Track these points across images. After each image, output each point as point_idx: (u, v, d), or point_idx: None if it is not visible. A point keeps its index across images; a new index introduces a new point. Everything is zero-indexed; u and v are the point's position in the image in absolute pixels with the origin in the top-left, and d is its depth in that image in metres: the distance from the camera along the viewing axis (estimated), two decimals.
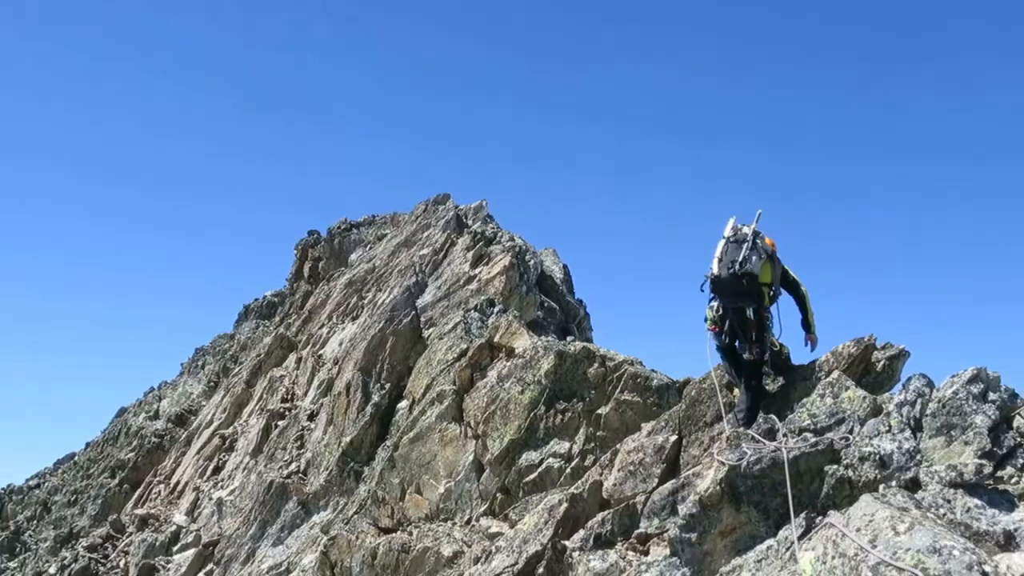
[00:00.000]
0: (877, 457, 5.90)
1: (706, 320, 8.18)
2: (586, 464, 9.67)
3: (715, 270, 7.86)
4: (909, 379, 6.40)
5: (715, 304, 8.07)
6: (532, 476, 10.05)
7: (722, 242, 8.00)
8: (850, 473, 5.99)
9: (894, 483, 5.71)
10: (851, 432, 6.29)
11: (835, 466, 6.09)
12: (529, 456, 10.19)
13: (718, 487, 6.31)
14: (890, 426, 6.03)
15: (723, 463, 6.41)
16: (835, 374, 7.09)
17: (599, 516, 7.88)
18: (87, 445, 33.74)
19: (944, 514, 5.24)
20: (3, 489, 32.19)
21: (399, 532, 11.11)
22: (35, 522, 28.25)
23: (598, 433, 9.87)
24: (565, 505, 8.25)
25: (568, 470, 9.81)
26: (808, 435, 6.44)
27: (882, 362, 7.68)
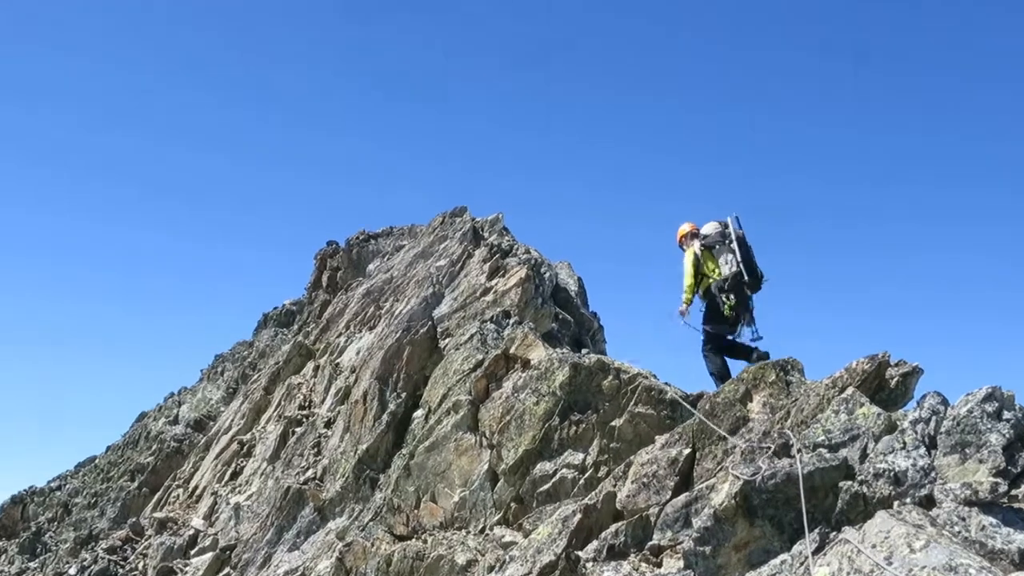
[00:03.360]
0: (892, 474, 5.86)
1: (718, 312, 9.33)
2: (599, 475, 9.63)
3: (746, 275, 9.18)
4: (923, 397, 6.37)
5: (731, 298, 9.19)
6: (546, 486, 10.01)
7: (725, 243, 9.45)
8: (865, 489, 5.94)
9: (909, 500, 5.66)
10: (866, 448, 6.24)
11: (850, 482, 6.04)
12: (543, 466, 10.15)
13: (733, 500, 6.27)
14: (905, 443, 5.99)
15: (738, 477, 6.37)
16: (849, 390, 7.04)
17: (612, 527, 7.84)
18: (107, 448, 33.78)
19: (959, 532, 5.18)
20: (25, 490, 32.23)
21: (414, 540, 11.08)
22: (56, 523, 28.31)
23: (612, 445, 9.83)
24: (579, 516, 8.21)
25: (582, 481, 9.77)
26: (823, 451, 6.39)
27: (896, 379, 7.60)
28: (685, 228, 10.22)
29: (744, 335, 9.46)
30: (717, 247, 9.73)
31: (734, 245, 9.49)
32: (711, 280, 9.70)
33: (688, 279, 9.79)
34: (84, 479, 31.18)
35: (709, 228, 9.85)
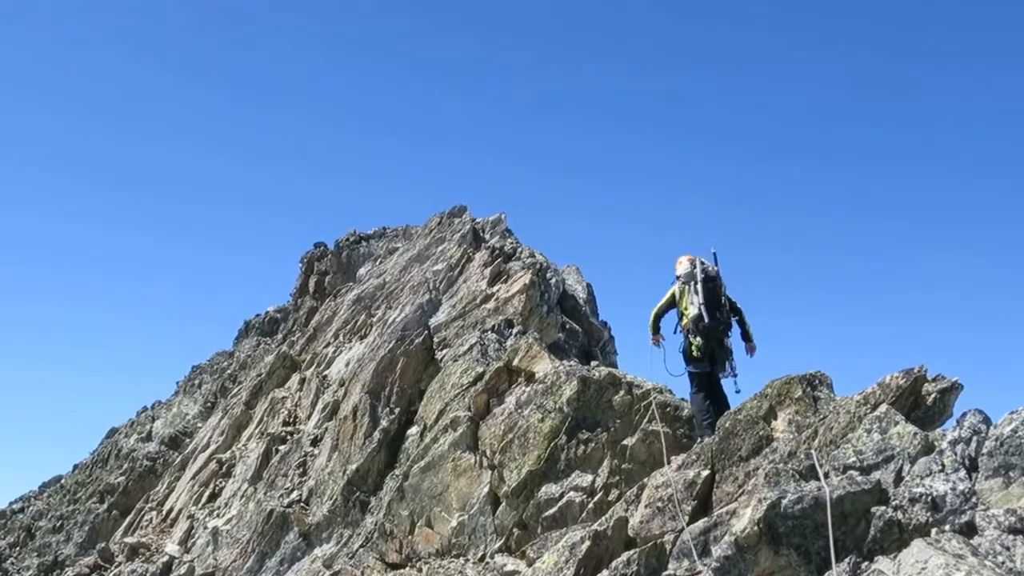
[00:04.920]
0: (929, 499, 5.84)
1: (690, 352, 9.95)
2: (610, 499, 9.63)
3: (706, 318, 9.83)
4: (964, 415, 6.35)
5: (697, 339, 9.84)
6: (552, 511, 10.00)
7: (691, 284, 10.08)
8: (899, 515, 5.92)
9: (947, 527, 5.64)
10: (900, 471, 6.22)
11: (883, 507, 6.02)
12: (549, 489, 10.15)
13: (756, 527, 6.24)
14: (943, 465, 5.97)
15: (761, 501, 6.35)
16: (883, 408, 7.02)
17: (624, 556, 7.81)
18: (75, 467, 33.84)
19: (1003, 562, 5.17)
20: None
21: (408, 568, 11.07)
22: (18, 549, 28.32)
23: (623, 466, 9.83)
24: (588, 543, 8.20)
25: (591, 505, 9.77)
26: (854, 473, 6.38)
27: (933, 395, 7.58)
28: (683, 261, 10.63)
29: (718, 373, 9.99)
30: (689, 285, 10.25)
31: (698, 286, 10.07)
32: (683, 323, 10.22)
33: (652, 313, 10.66)
34: (49, 500, 31.17)
35: (681, 267, 10.43)
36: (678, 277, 10.42)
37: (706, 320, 9.86)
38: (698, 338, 9.88)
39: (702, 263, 10.23)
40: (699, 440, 9.25)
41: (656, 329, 10.61)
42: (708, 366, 9.93)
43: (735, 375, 9.97)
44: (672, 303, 10.41)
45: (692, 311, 10.04)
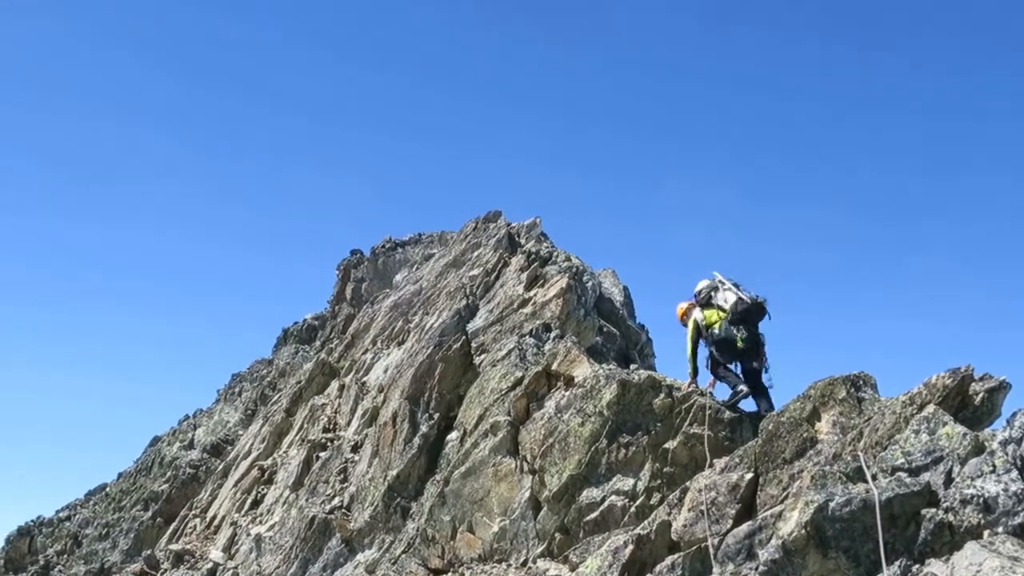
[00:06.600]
0: (981, 500, 5.73)
1: (733, 344, 10.15)
2: (652, 503, 9.56)
3: (746, 298, 10.24)
4: (1014, 414, 6.23)
5: (742, 329, 10.10)
6: (593, 515, 9.96)
7: (718, 288, 10.65)
8: (950, 517, 5.82)
9: (1000, 529, 5.53)
10: (950, 472, 6.11)
11: (933, 509, 5.92)
12: (590, 493, 10.10)
13: (803, 530, 6.16)
14: (994, 466, 5.86)
15: (808, 504, 6.27)
16: (930, 408, 6.90)
17: (668, 560, 7.75)
18: (119, 475, 34.27)
19: None
20: (32, 521, 32.74)
21: (450, 573, 11.08)
22: (65, 556, 28.71)
23: (665, 469, 9.76)
24: (631, 547, 8.15)
25: (632, 509, 9.71)
26: (902, 475, 6.28)
27: (981, 395, 7.44)
28: (683, 306, 11.21)
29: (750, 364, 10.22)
30: (712, 295, 10.72)
31: (726, 283, 10.64)
32: (719, 323, 10.44)
33: (688, 350, 10.71)
34: (95, 508, 31.59)
35: (700, 285, 10.98)
36: (696, 297, 10.92)
37: (747, 299, 10.23)
38: (742, 329, 10.13)
39: (716, 275, 10.87)
40: (738, 401, 9.93)
41: (695, 369, 10.67)
42: (737, 360, 10.23)
43: (767, 368, 10.20)
44: (699, 332, 10.64)
45: (731, 299, 10.41)
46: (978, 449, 6.27)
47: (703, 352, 10.69)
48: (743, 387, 10.01)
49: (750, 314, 10.21)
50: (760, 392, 10.08)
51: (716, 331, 10.37)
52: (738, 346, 10.12)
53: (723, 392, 10.40)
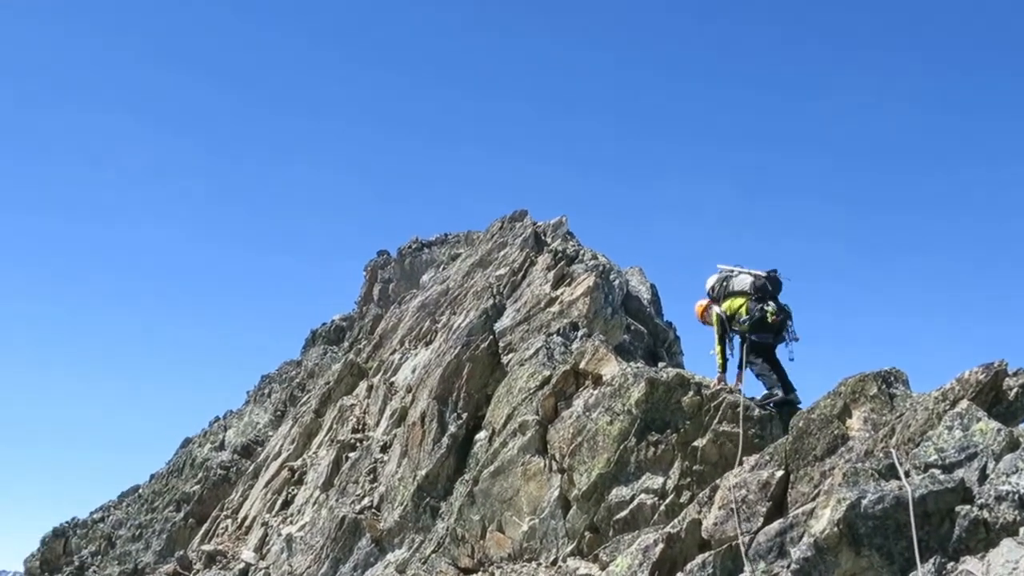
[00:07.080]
0: (1016, 497, 5.66)
1: (764, 319, 10.23)
2: (681, 501, 9.51)
3: (762, 275, 10.52)
4: None
5: (770, 304, 10.28)
6: (623, 513, 9.93)
7: (731, 275, 10.86)
8: (985, 514, 5.75)
9: None
10: (985, 468, 6.04)
11: (968, 506, 5.86)
12: (620, 492, 10.08)
13: (836, 528, 6.11)
14: None
15: (840, 501, 6.22)
16: (963, 403, 6.82)
17: (699, 558, 7.70)
18: (151, 477, 34.59)
19: None
20: (67, 522, 33.13)
21: (480, 573, 11.09)
22: (99, 557, 29.04)
23: (694, 467, 9.71)
24: (661, 546, 8.10)
25: (662, 507, 9.67)
26: (935, 471, 6.21)
27: (1015, 390, 7.33)
28: (702, 303, 11.30)
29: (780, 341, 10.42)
30: (726, 286, 10.88)
31: (736, 271, 10.89)
32: (745, 306, 10.54)
33: (716, 342, 10.77)
34: (128, 510, 31.92)
35: (710, 281, 11.16)
36: (710, 295, 11.07)
37: (762, 274, 10.56)
38: (771, 303, 10.32)
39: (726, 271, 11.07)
40: (771, 403, 9.91)
41: (724, 364, 10.69)
42: (772, 337, 10.35)
43: (796, 339, 10.42)
44: (724, 325, 10.70)
45: (747, 281, 10.66)
46: (1013, 445, 6.19)
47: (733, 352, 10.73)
48: (779, 392, 10.03)
49: (770, 287, 10.49)
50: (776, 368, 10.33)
51: (743, 315, 10.45)
52: (768, 320, 10.25)
53: (751, 389, 10.38)
